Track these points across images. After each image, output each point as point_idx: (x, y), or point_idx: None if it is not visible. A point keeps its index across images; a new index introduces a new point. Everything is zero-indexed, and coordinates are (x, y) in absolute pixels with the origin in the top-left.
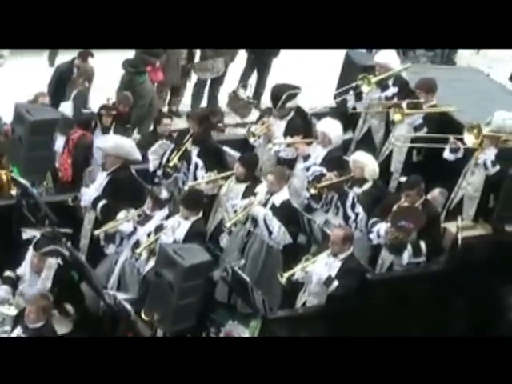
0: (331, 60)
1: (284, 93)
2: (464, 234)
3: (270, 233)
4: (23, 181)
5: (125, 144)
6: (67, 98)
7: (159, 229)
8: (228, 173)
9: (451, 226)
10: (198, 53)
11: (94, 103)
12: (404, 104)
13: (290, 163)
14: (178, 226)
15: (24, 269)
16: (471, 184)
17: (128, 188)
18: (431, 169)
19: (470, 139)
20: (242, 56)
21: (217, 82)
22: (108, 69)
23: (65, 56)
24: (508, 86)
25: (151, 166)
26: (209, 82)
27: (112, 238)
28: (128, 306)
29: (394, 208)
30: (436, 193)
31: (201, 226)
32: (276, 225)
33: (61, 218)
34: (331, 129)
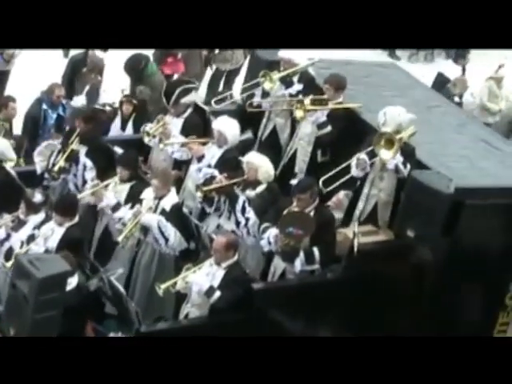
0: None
1: (177, 88)
2: (364, 240)
3: (167, 240)
4: None
5: None
6: (78, 91)
7: (31, 238)
8: (110, 180)
9: (349, 232)
10: None
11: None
12: (307, 100)
13: (187, 164)
14: (52, 234)
15: None
16: (383, 190)
17: (2, 191)
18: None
19: (386, 154)
20: None
21: (234, 72)
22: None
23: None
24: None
25: (38, 168)
26: None
27: None
28: None
29: (284, 213)
30: (341, 195)
31: (76, 232)
32: (171, 231)
33: None
34: (227, 128)
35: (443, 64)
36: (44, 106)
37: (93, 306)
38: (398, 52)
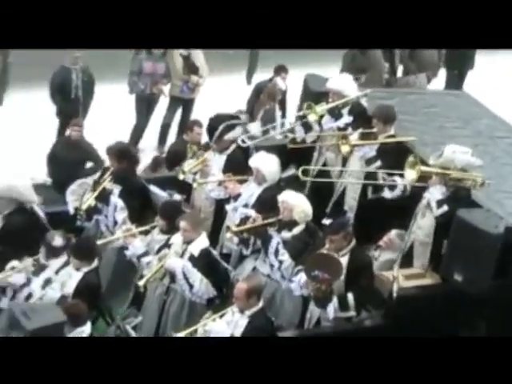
0: None
1: (220, 124)
2: (406, 283)
3: (191, 286)
4: None
5: (17, 185)
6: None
7: (47, 282)
8: (147, 227)
9: (390, 275)
10: (400, 67)
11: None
12: (354, 135)
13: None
14: (70, 279)
15: None
16: (422, 228)
17: (25, 234)
18: (389, 207)
19: (409, 174)
20: None
21: None
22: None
23: (263, 74)
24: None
25: (70, 208)
26: None
27: (4, 291)
28: None
29: (310, 256)
30: (392, 235)
31: (93, 277)
32: (197, 277)
33: None
34: (264, 164)
35: None
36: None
37: None
38: None
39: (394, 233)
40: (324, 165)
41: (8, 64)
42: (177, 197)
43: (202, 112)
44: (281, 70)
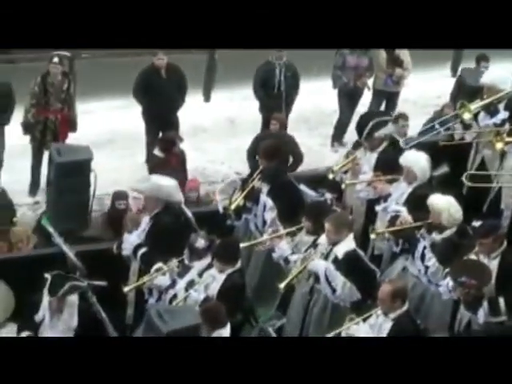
0: None
1: (370, 121)
2: None
3: (334, 290)
4: (50, 229)
5: (164, 184)
6: None
7: (191, 284)
8: (293, 228)
9: None
10: None
11: None
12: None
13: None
14: (213, 281)
15: (42, 313)
16: None
17: (172, 234)
18: None
19: None
20: None
21: None
22: None
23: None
24: None
25: (220, 207)
26: None
27: (150, 293)
28: None
29: (457, 262)
30: None
31: (237, 278)
32: (340, 280)
33: (104, 268)
34: (415, 162)
35: None
36: (436, 126)
37: None
38: None
39: None
40: (482, 162)
41: (215, 61)
42: (328, 196)
43: (407, 106)
44: (482, 59)
